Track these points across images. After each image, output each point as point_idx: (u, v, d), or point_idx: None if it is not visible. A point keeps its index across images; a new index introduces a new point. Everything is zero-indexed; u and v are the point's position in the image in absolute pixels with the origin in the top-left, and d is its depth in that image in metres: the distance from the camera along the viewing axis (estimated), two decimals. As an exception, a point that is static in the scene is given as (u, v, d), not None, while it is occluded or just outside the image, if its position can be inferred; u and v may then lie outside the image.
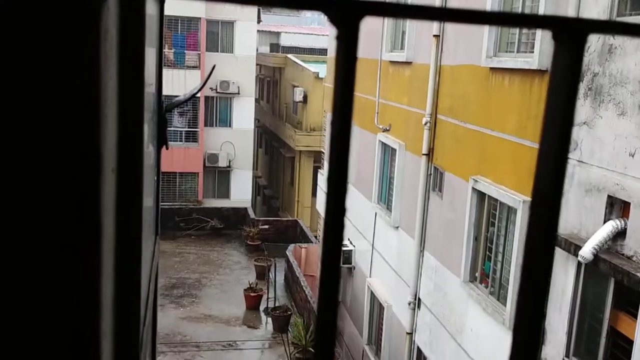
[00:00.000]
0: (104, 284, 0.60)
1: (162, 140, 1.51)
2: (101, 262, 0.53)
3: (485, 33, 8.62)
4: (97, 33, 0.45)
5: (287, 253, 19.70)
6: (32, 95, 0.47)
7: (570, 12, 6.77)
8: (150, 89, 1.36)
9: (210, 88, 26.22)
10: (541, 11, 7.35)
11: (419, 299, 10.98)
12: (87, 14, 0.45)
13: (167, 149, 1.60)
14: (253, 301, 17.83)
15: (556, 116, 0.53)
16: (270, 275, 18.50)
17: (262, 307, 17.88)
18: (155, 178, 1.48)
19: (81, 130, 0.48)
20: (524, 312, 0.56)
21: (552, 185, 0.54)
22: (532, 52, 7.66)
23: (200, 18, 25.52)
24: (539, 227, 0.57)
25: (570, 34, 0.51)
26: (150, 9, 1.25)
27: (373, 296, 13.26)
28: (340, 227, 0.53)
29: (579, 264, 6.49)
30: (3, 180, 0.49)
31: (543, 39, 7.32)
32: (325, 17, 0.51)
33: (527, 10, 8.00)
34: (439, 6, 0.49)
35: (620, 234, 6.02)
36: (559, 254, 6.89)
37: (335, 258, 0.57)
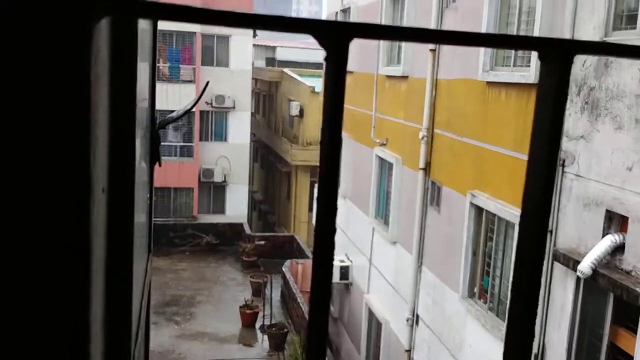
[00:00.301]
0: (93, 305, 0.59)
1: (155, 157, 1.51)
2: (90, 283, 0.53)
3: (482, 48, 8.68)
4: (87, 55, 0.45)
5: (284, 269, 19.61)
6: (21, 118, 0.47)
7: (566, 27, 6.82)
8: (143, 104, 1.36)
9: (206, 102, 26.26)
10: (537, 26, 7.41)
11: (417, 315, 10.93)
12: (78, 35, 0.45)
13: (159, 165, 1.59)
14: (249, 318, 17.70)
15: (543, 135, 0.53)
16: (267, 291, 18.41)
17: (258, 325, 17.75)
18: (148, 195, 1.48)
19: (70, 152, 0.47)
20: (515, 321, 0.56)
21: (542, 198, 0.54)
22: (529, 65, 7.72)
23: (195, 32, 25.63)
24: (529, 237, 0.57)
25: (557, 55, 0.51)
26: (143, 23, 1.25)
27: (371, 313, 13.19)
28: (331, 246, 0.53)
29: (578, 279, 6.48)
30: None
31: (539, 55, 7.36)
32: (315, 40, 0.51)
33: (523, 25, 8.06)
34: (427, 28, 0.49)
35: (619, 249, 6.02)
36: (558, 268, 6.88)
37: (326, 273, 0.57)
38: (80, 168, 0.50)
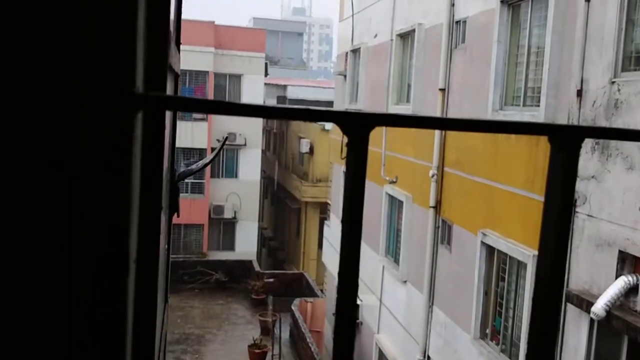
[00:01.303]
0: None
1: (174, 209, 1.55)
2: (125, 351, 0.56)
3: (491, 87, 8.76)
4: (130, 142, 0.49)
5: (293, 307, 19.42)
6: (73, 198, 0.50)
7: (575, 68, 6.88)
8: (165, 161, 1.40)
9: (217, 140, 26.48)
10: (545, 67, 7.46)
11: (428, 356, 10.77)
12: (124, 124, 0.49)
13: (178, 216, 1.63)
14: (257, 358, 17.48)
15: (554, 216, 0.56)
16: (275, 330, 18.22)
17: (267, 363, 17.53)
18: (167, 246, 1.51)
19: (112, 228, 0.51)
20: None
21: (552, 278, 0.56)
22: (538, 105, 7.76)
23: (208, 72, 26.03)
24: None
25: (565, 140, 0.54)
26: (169, 84, 1.30)
27: (381, 353, 13.00)
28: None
29: (592, 320, 6.39)
30: (33, 273, 0.52)
31: (549, 93, 7.42)
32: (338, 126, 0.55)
33: (532, 65, 8.13)
34: (440, 116, 0.52)
35: (633, 290, 5.95)
36: (571, 310, 6.79)
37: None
38: (119, 243, 0.53)
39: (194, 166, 2.63)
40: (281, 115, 0.51)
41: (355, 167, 0.51)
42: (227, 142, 26.60)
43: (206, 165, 2.72)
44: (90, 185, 0.49)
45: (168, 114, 1.33)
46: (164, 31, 0.73)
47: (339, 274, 0.56)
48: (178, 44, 1.62)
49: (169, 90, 1.39)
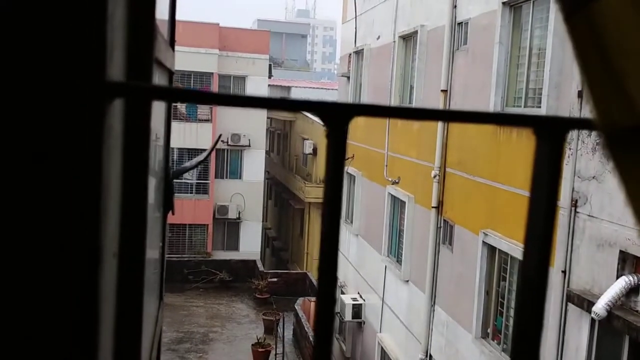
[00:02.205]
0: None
1: (168, 206, 1.55)
2: (97, 353, 0.55)
3: (493, 87, 8.74)
4: (100, 132, 0.49)
5: (296, 307, 19.45)
6: (34, 189, 0.50)
7: (576, 71, 6.86)
8: (158, 155, 1.39)
9: (222, 141, 26.54)
10: (547, 68, 7.45)
11: (430, 355, 10.76)
12: (92, 113, 0.49)
13: (172, 214, 1.63)
14: (261, 357, 17.50)
15: (539, 209, 0.55)
16: (279, 329, 18.23)
17: (270, 363, 17.54)
18: (161, 244, 1.50)
19: (80, 221, 0.50)
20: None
21: (539, 272, 0.55)
22: (540, 106, 7.75)
23: (212, 73, 26.08)
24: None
25: (550, 132, 0.53)
26: (159, 82, 1.30)
27: (384, 352, 13.00)
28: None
29: (593, 320, 6.37)
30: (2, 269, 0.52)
31: (550, 94, 7.41)
32: (318, 118, 0.54)
33: (533, 67, 8.12)
34: (421, 108, 0.51)
35: (634, 290, 5.93)
36: (572, 310, 6.78)
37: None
38: (90, 235, 0.52)
39: (187, 164, 2.63)
40: (259, 104, 0.51)
41: (335, 157, 0.51)
42: (231, 143, 26.65)
43: (200, 162, 2.73)
44: (58, 175, 0.49)
45: (160, 109, 1.32)
46: (148, 24, 0.73)
47: (319, 261, 0.55)
48: (172, 42, 1.62)
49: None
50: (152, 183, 1.23)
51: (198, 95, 0.54)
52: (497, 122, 0.55)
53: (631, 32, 0.53)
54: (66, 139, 0.49)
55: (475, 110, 0.52)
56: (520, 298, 0.62)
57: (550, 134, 0.53)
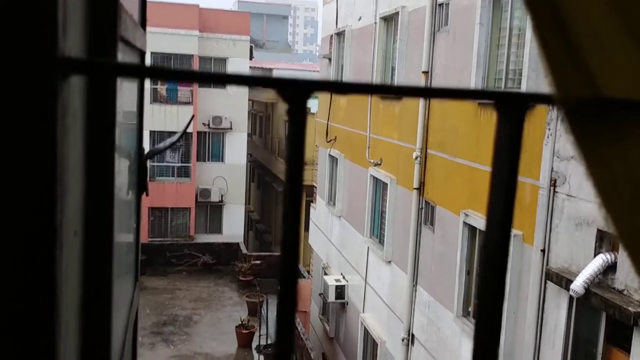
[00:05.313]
0: (63, 345, 0.61)
1: (142, 188, 1.53)
2: (58, 331, 0.55)
3: (474, 68, 8.76)
4: (53, 111, 0.48)
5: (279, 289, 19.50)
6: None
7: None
8: (130, 136, 1.38)
9: (203, 123, 26.37)
10: (527, 49, 7.48)
11: (413, 334, 10.89)
12: (44, 89, 0.48)
13: (147, 195, 1.62)
14: (245, 338, 17.60)
15: (501, 182, 0.55)
16: (263, 311, 18.32)
17: (254, 345, 17.65)
18: (135, 225, 1.49)
19: (33, 195, 0.50)
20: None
21: (499, 248, 0.56)
22: (520, 87, 7.79)
23: (193, 55, 25.80)
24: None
25: (511, 106, 0.54)
26: (129, 59, 1.28)
27: (367, 332, 13.13)
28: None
29: (571, 298, 6.48)
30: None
31: (530, 75, 7.45)
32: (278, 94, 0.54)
33: (513, 48, 8.14)
34: (381, 84, 0.51)
35: (611, 268, 6.04)
36: (551, 288, 6.89)
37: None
38: (44, 213, 0.51)
39: (161, 145, 2.61)
40: (220, 80, 0.50)
41: (295, 134, 0.51)
42: (213, 126, 26.48)
43: (173, 143, 2.71)
44: (9, 151, 0.48)
45: (131, 90, 1.30)
46: (110, 2, 0.71)
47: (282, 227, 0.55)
48: (143, 22, 1.59)
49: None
50: (123, 164, 1.22)
51: (159, 71, 0.53)
52: (460, 97, 0.55)
53: (590, 8, 0.54)
54: (16, 115, 0.48)
55: (438, 87, 0.52)
56: (483, 269, 0.63)
57: (511, 108, 0.53)
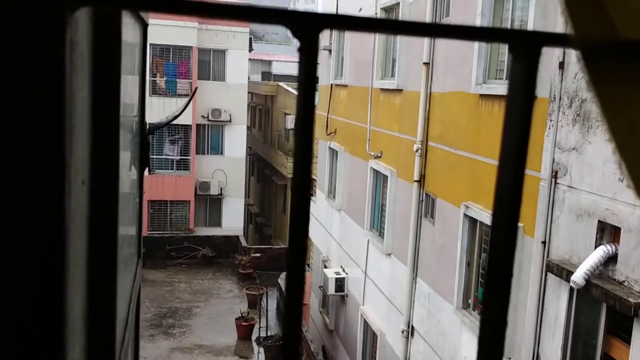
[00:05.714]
0: (71, 302, 0.60)
1: (145, 162, 1.52)
2: (66, 280, 0.54)
3: (475, 60, 8.74)
4: (62, 43, 0.47)
5: (279, 281, 19.57)
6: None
7: (559, 22, 6.86)
8: (133, 112, 1.37)
9: (202, 116, 26.33)
10: (531, 19, 7.43)
11: (412, 327, 10.90)
12: (52, 24, 0.47)
13: (149, 172, 1.61)
14: (245, 331, 17.64)
15: (514, 128, 0.54)
16: (262, 304, 18.35)
17: (254, 337, 17.69)
18: (138, 200, 1.49)
19: (43, 139, 0.48)
20: (487, 325, 0.57)
21: (512, 192, 0.55)
22: (520, 79, 7.76)
23: (191, 47, 25.74)
24: (500, 230, 0.58)
25: (525, 47, 0.53)
26: (132, 35, 1.27)
27: (366, 324, 13.15)
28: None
29: (572, 289, 6.49)
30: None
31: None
32: (289, 31, 0.53)
33: (517, 18, 8.09)
34: (395, 20, 0.50)
35: (612, 259, 6.03)
36: (551, 279, 6.89)
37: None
38: (54, 157, 0.50)
39: (164, 119, 2.61)
40: (219, 14, 0.49)
41: (306, 71, 0.50)
42: (212, 119, 26.44)
43: (176, 117, 2.72)
44: (16, 86, 0.47)
45: (132, 61, 1.29)
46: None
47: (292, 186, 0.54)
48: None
49: (133, 37, 1.35)
50: (128, 137, 1.21)
51: (166, 3, 0.52)
52: (471, 37, 0.54)
53: None
54: (24, 49, 0.47)
55: (450, 24, 0.51)
56: (495, 212, 0.61)
57: (525, 49, 0.52)
